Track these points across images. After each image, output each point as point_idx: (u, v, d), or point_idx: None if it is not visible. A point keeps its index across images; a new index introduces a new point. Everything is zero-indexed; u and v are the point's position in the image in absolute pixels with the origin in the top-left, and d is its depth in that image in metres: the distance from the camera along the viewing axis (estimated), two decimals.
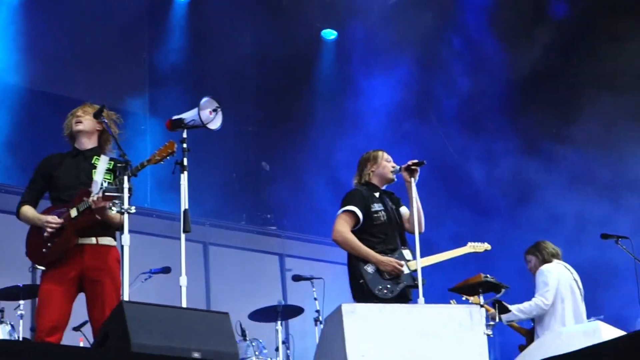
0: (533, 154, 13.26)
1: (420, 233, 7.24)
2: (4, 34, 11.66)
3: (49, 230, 6.46)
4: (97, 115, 6.65)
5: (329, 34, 14.53)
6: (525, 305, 8.48)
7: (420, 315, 6.22)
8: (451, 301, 8.28)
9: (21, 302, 8.77)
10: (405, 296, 7.25)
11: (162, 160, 6.41)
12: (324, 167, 13.39)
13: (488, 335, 6.39)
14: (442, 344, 6.07)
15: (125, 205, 6.07)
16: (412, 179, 7.36)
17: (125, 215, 6.06)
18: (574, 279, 8.65)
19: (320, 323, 9.90)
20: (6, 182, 11.09)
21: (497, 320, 8.01)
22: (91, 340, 6.86)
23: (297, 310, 10.22)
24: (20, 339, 8.60)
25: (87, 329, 7.80)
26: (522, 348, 8.57)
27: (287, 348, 10.43)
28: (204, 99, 6.69)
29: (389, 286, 7.19)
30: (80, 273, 6.46)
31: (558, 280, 8.51)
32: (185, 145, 6.49)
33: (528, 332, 8.89)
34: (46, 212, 6.60)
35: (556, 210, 12.90)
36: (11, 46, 11.61)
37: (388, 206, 7.52)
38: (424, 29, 13.48)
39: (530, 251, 8.92)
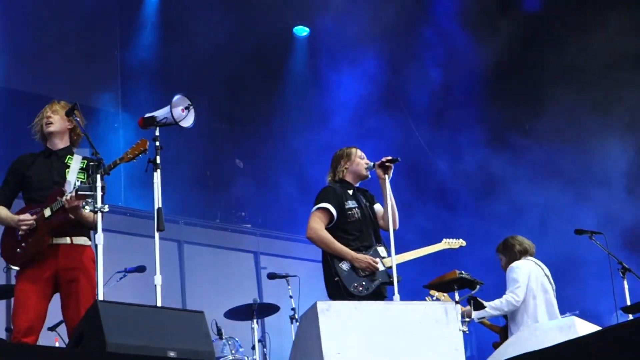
0: (499, 147, 13.28)
1: (394, 230, 7.24)
2: None
3: (23, 229, 6.44)
4: (68, 114, 6.62)
5: (301, 30, 14.50)
6: (496, 302, 8.47)
7: (396, 312, 6.23)
8: (427, 298, 8.30)
9: None
10: (380, 293, 7.25)
11: (135, 159, 6.39)
12: (294, 164, 13.39)
13: (464, 331, 6.41)
14: (418, 340, 6.08)
15: (99, 204, 6.04)
16: (386, 176, 7.36)
17: (99, 214, 6.03)
18: (545, 275, 8.65)
19: (296, 321, 9.89)
20: None
21: (472, 317, 8.05)
22: (66, 340, 6.83)
23: (272, 308, 10.21)
24: None
25: (62, 329, 7.76)
26: (496, 346, 8.58)
27: (264, 346, 10.42)
28: (176, 97, 6.66)
29: (364, 283, 7.19)
30: (55, 273, 6.44)
31: (528, 276, 8.49)
32: (157, 143, 6.46)
33: (501, 329, 8.88)
34: (20, 212, 6.58)
35: (522, 203, 12.93)
36: None
37: (362, 203, 7.52)
38: (392, 21, 13.46)
39: (499, 249, 8.91)
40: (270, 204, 13.67)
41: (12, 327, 6.69)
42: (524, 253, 8.71)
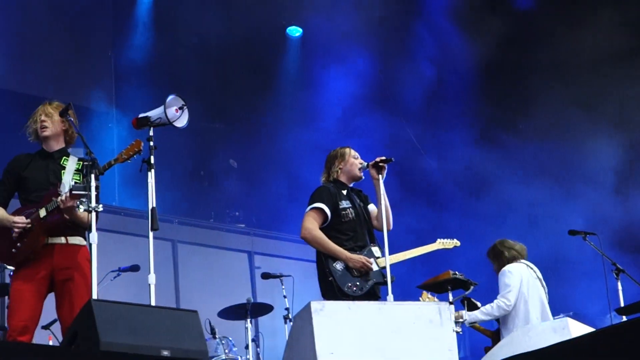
0: (488, 145, 13.26)
1: (388, 230, 7.25)
2: None
3: (17, 230, 6.45)
4: (62, 114, 6.62)
5: (295, 30, 14.50)
6: (487, 307, 8.44)
7: (390, 312, 6.22)
8: (420, 298, 8.29)
9: None
10: (374, 294, 7.25)
11: (129, 159, 6.40)
12: (287, 164, 13.39)
13: (457, 332, 6.41)
14: (412, 340, 6.07)
15: (93, 204, 6.05)
16: (380, 176, 7.36)
17: (93, 214, 6.04)
18: (537, 277, 8.64)
19: (290, 320, 9.90)
20: None
21: (465, 318, 8.04)
22: (60, 338, 6.83)
23: (266, 308, 10.21)
24: None
25: (56, 328, 7.75)
26: (487, 350, 8.54)
27: (257, 346, 10.42)
28: (170, 97, 6.66)
29: (358, 283, 7.19)
30: (50, 272, 6.46)
31: (520, 280, 8.46)
32: (152, 144, 6.46)
33: (493, 333, 8.84)
34: (16, 213, 6.59)
35: (511, 202, 12.92)
36: None
37: (356, 203, 7.52)
38: (384, 20, 13.46)
39: (489, 255, 8.88)
40: (265, 203, 13.67)
41: (7, 326, 6.69)
42: (512, 260, 8.67)
